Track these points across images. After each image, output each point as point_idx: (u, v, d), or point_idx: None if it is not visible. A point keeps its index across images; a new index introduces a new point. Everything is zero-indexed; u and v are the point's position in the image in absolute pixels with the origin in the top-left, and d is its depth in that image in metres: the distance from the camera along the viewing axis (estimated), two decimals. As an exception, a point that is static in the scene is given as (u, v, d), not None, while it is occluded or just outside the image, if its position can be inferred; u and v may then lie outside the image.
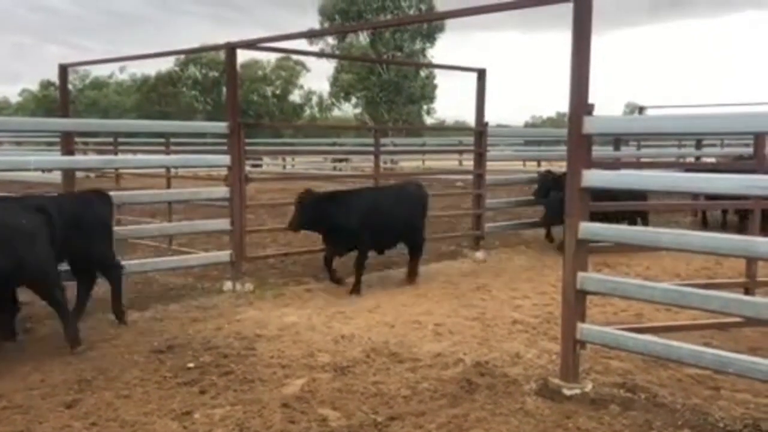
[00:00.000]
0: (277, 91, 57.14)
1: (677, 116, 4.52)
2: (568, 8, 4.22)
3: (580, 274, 4.35)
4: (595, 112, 4.34)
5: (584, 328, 4.40)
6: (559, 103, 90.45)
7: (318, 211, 7.26)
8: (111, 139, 19.08)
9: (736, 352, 4.08)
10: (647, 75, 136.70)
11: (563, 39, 4.28)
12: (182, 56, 49.93)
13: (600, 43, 4.33)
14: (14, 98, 66.44)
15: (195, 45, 27.19)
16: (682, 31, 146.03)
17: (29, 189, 10.65)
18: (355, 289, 7.37)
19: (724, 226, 11.61)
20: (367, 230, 7.44)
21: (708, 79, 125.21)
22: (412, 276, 8.04)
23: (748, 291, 5.74)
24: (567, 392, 4.34)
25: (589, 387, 4.42)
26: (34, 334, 5.74)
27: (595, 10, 4.18)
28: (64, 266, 5.68)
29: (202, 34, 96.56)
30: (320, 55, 45.18)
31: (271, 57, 53.56)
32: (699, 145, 15.06)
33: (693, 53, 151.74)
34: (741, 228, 10.36)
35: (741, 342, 5.39)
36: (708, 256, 7.35)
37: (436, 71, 45.27)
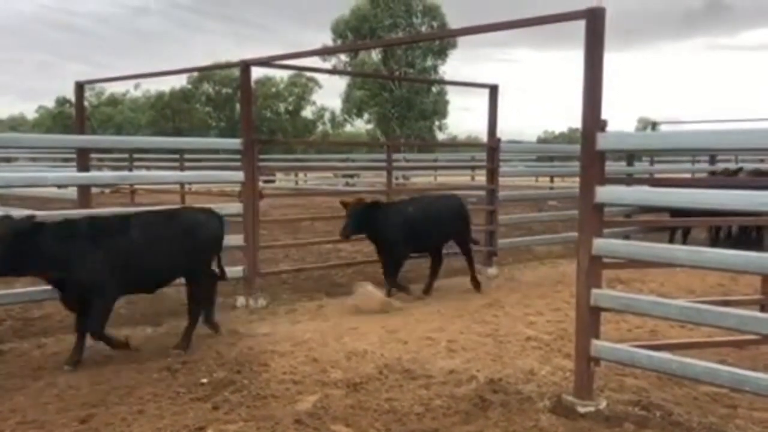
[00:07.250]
0: (290, 108, 57.52)
1: (693, 132, 4.52)
2: (580, 26, 4.24)
3: (594, 291, 4.33)
4: (608, 128, 4.34)
5: (598, 345, 4.37)
6: (572, 118, 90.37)
7: None
8: (126, 155, 19.31)
9: (753, 370, 4.03)
10: (657, 91, 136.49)
11: (576, 56, 4.31)
12: (195, 73, 50.45)
13: (610, 59, 4.33)
14: (31, 115, 67.35)
15: (215, 62, 27.41)
16: (694, 49, 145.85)
17: (46, 204, 10.75)
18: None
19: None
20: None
21: (720, 96, 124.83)
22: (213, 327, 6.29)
23: (764, 308, 5.68)
24: (581, 410, 4.30)
25: (603, 404, 4.38)
26: (46, 349, 5.78)
27: (607, 28, 4.19)
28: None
29: (221, 52, 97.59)
30: (333, 72, 45.52)
31: (285, 74, 54.05)
32: (713, 160, 14.99)
33: (704, 70, 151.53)
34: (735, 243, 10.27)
35: (758, 360, 5.32)
36: (723, 272, 7.30)
37: (449, 87, 45.54)
